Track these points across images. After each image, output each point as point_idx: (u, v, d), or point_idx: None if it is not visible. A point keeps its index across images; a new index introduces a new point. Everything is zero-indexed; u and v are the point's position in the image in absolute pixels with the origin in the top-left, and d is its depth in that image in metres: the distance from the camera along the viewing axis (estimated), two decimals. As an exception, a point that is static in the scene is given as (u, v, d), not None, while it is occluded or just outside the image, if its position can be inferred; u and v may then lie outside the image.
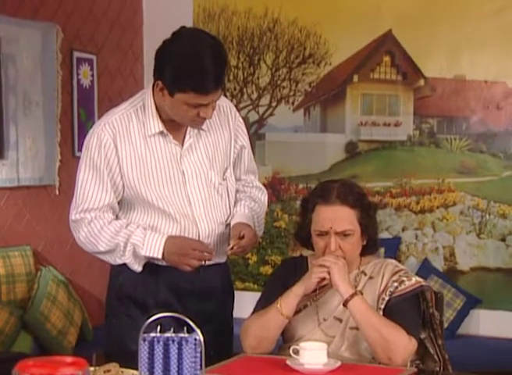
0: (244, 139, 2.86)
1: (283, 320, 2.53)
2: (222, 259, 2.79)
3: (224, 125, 2.77)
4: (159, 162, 2.64)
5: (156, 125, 2.62)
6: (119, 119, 2.63)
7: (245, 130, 2.87)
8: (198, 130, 2.69)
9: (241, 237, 2.67)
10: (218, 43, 2.57)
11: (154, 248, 2.60)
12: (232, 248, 2.66)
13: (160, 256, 2.60)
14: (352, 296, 2.45)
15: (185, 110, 2.53)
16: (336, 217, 2.54)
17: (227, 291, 2.86)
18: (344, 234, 2.54)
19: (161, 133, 2.64)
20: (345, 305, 2.46)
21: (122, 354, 2.44)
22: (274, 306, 2.53)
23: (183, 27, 2.58)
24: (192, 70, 2.46)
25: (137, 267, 2.64)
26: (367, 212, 2.59)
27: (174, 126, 2.64)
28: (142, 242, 2.60)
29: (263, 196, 2.92)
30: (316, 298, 2.60)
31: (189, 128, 2.67)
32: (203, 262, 2.66)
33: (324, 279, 2.49)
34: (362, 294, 2.49)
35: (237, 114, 2.84)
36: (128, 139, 2.62)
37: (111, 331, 2.77)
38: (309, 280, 2.50)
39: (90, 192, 2.63)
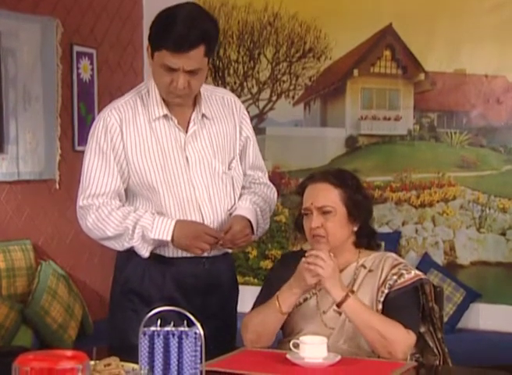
0: (249, 131, 2.86)
1: (282, 317, 2.54)
2: (227, 249, 2.79)
3: (229, 116, 2.78)
4: (164, 146, 2.65)
5: (160, 108, 2.64)
6: (125, 105, 2.66)
7: (250, 123, 2.88)
8: (202, 117, 2.69)
9: (226, 232, 2.66)
10: (208, 18, 2.56)
11: (163, 230, 2.60)
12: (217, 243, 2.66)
13: (169, 239, 2.60)
14: (345, 298, 2.45)
15: (160, 74, 2.55)
16: (317, 193, 2.57)
17: (232, 286, 2.86)
18: (324, 211, 2.54)
19: (165, 116, 2.65)
20: (338, 306, 2.47)
21: (125, 347, 2.44)
22: (273, 303, 2.53)
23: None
24: (166, 27, 2.49)
25: (145, 252, 2.64)
26: (353, 194, 2.58)
27: (178, 112, 2.65)
28: (151, 225, 2.60)
29: (271, 193, 2.90)
30: (316, 290, 2.60)
31: (193, 115, 2.68)
32: (208, 252, 2.68)
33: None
34: (354, 292, 2.49)
35: (242, 106, 2.85)
36: (133, 124, 2.64)
37: (114, 325, 2.76)
38: (304, 281, 2.50)
39: (97, 177, 2.64)
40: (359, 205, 2.59)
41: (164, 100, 2.65)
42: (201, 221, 2.69)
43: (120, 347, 2.57)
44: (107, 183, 2.64)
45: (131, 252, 2.67)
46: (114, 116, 2.64)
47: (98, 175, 2.64)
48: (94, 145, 2.65)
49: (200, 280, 2.71)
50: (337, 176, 2.60)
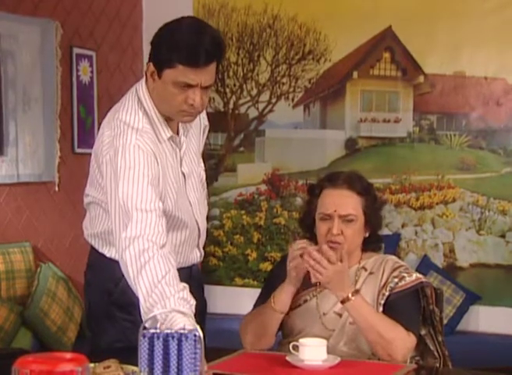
0: (206, 118, 2.77)
1: (279, 316, 2.55)
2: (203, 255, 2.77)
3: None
4: (169, 167, 2.53)
5: (167, 130, 2.51)
6: (144, 132, 2.44)
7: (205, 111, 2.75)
8: (187, 128, 2.60)
9: None
10: (214, 29, 2.47)
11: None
12: None
13: None
14: (348, 298, 2.45)
15: (173, 94, 2.39)
16: (342, 200, 2.56)
17: (202, 290, 2.85)
18: (347, 219, 2.54)
19: (171, 137, 2.53)
20: (342, 303, 2.48)
21: (125, 350, 2.42)
22: (268, 303, 2.54)
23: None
24: (181, 42, 2.35)
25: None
26: (372, 203, 2.60)
27: (171, 128, 2.54)
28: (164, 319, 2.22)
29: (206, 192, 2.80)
30: (316, 292, 2.60)
31: (180, 127, 2.58)
32: (196, 259, 2.67)
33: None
34: (358, 291, 2.49)
35: None
36: (158, 152, 2.46)
37: (107, 336, 2.64)
38: (295, 277, 2.52)
39: (140, 192, 2.33)
40: (376, 214, 2.61)
41: (165, 120, 2.50)
42: (198, 234, 2.64)
43: (115, 349, 2.54)
44: (155, 200, 2.34)
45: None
46: (145, 146, 2.39)
47: (144, 192, 2.34)
48: (134, 175, 2.34)
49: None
50: (361, 183, 2.61)
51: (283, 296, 2.53)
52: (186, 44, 2.35)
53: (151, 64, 2.43)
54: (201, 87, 2.39)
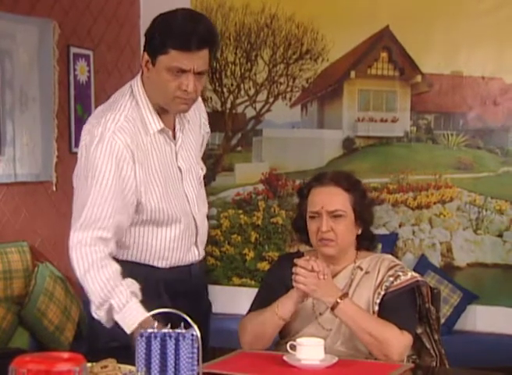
0: (207, 125, 2.81)
1: (280, 323, 2.54)
2: (203, 255, 2.77)
3: (197, 115, 2.72)
4: (163, 162, 2.54)
5: (157, 122, 2.52)
6: (127, 123, 2.46)
7: (206, 115, 2.81)
8: (183, 123, 2.62)
9: None
10: (207, 19, 2.50)
11: (128, 321, 2.34)
12: None
13: (129, 332, 2.34)
14: (336, 303, 2.46)
15: (166, 80, 2.41)
16: (329, 197, 2.57)
17: (206, 289, 2.85)
18: (335, 215, 2.55)
19: (162, 130, 2.54)
20: (333, 310, 2.48)
21: (122, 349, 2.42)
22: (272, 309, 2.53)
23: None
24: (174, 29, 2.41)
25: (109, 324, 2.42)
26: (361, 199, 2.60)
27: (166, 122, 2.56)
28: (121, 308, 2.35)
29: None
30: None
31: (177, 122, 2.59)
32: (194, 258, 2.67)
33: None
34: (347, 295, 2.49)
35: (199, 98, 2.70)
36: (137, 144, 2.47)
37: (103, 334, 2.59)
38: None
39: (99, 213, 2.41)
40: (365, 209, 2.62)
41: (157, 112, 2.52)
42: (195, 231, 2.64)
43: (113, 349, 2.53)
44: (110, 216, 2.41)
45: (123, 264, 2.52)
46: (121, 140, 2.42)
47: (101, 209, 2.41)
48: (100, 177, 2.41)
49: (186, 286, 2.67)
50: (347, 180, 2.62)
51: (289, 304, 2.52)
52: (179, 31, 2.40)
53: (145, 53, 2.48)
54: (194, 72, 2.43)
